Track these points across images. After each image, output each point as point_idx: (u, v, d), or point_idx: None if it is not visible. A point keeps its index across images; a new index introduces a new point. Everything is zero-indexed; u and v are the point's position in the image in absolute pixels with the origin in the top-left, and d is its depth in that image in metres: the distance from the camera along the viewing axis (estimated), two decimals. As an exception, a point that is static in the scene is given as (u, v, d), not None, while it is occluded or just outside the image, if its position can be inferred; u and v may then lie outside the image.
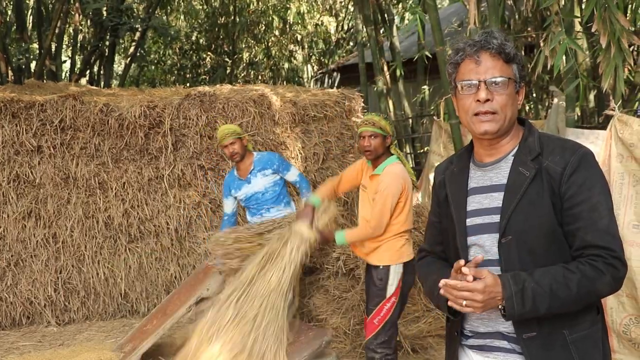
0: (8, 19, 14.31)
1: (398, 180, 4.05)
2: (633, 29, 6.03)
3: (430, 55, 8.66)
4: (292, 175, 5.51)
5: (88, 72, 15.00)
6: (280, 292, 3.96)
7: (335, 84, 17.60)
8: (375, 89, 10.47)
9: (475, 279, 1.88)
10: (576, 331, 1.99)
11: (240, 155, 5.35)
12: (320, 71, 19.55)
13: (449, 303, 1.95)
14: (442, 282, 1.93)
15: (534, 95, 9.53)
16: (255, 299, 3.91)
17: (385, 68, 10.53)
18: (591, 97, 7.32)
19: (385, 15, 10.91)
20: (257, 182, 5.39)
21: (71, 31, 15.59)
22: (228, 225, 5.48)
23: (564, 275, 1.88)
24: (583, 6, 5.70)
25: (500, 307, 1.91)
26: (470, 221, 2.12)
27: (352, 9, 15.84)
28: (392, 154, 4.22)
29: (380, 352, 4.11)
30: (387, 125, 4.14)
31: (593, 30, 4.60)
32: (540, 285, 1.87)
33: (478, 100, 2.02)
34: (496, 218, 2.04)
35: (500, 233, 2.02)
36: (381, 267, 4.11)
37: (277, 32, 19.37)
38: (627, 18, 5.35)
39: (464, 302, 1.88)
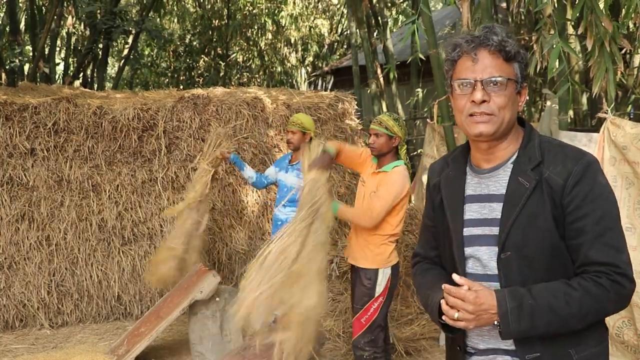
0: (1, 22, 14.29)
1: (405, 183, 4.14)
2: (625, 32, 6.05)
3: (423, 58, 8.68)
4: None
5: (81, 74, 14.99)
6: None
7: (329, 87, 17.62)
8: (368, 91, 10.49)
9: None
10: (583, 350, 1.87)
11: (294, 146, 5.35)
12: (313, 74, 19.56)
13: (444, 317, 1.84)
14: (445, 287, 1.83)
15: (527, 97, 9.56)
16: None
17: (379, 71, 10.56)
18: (584, 99, 7.34)
19: (379, 18, 10.93)
20: (289, 177, 5.34)
21: (65, 34, 15.57)
22: (257, 177, 5.58)
23: (565, 292, 1.77)
24: (575, 9, 5.71)
25: (496, 323, 1.79)
26: (467, 231, 1.99)
27: (346, 12, 15.84)
28: (401, 159, 4.25)
29: (369, 350, 4.14)
30: (395, 127, 4.17)
31: (579, 32, 4.62)
32: (539, 302, 1.75)
33: (473, 101, 1.88)
34: (495, 230, 1.91)
35: (499, 248, 1.89)
36: (370, 268, 4.16)
37: (269, 35, 19.37)
38: (621, 21, 5.37)
39: (456, 315, 1.78)
